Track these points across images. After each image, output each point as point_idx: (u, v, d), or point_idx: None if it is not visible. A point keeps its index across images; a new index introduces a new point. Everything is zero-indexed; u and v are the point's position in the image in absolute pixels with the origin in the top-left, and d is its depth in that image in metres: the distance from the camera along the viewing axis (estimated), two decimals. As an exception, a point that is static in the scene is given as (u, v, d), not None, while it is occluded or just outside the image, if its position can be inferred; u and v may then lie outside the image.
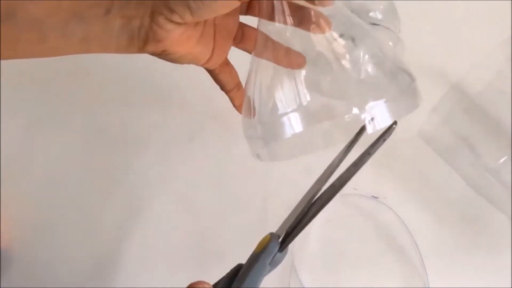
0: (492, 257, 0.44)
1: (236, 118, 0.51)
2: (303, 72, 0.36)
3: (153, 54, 0.36)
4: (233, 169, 0.50)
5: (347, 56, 0.35)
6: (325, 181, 0.32)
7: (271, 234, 0.32)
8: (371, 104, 0.32)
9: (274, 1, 0.35)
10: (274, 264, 0.31)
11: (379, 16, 0.49)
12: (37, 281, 0.45)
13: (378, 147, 0.31)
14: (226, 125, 0.52)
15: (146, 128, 0.53)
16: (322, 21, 0.35)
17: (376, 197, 0.47)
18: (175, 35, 0.33)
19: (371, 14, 0.49)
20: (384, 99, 0.33)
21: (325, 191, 0.32)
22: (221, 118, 0.52)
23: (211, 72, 0.41)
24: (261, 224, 0.47)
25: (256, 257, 0.31)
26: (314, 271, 0.44)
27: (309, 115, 0.35)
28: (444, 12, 0.58)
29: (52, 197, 0.49)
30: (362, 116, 0.32)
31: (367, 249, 0.45)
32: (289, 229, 0.31)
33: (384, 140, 0.31)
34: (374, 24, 0.48)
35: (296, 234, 0.31)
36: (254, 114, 0.37)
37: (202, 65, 0.39)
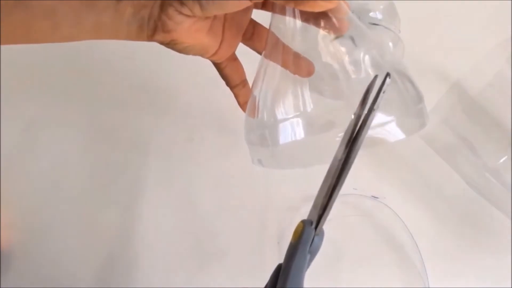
0: (492, 257, 0.44)
1: (236, 118, 0.51)
2: (309, 79, 0.36)
3: (161, 43, 0.36)
4: (233, 169, 0.50)
5: (356, 69, 0.36)
6: (345, 149, 0.31)
7: (303, 221, 0.31)
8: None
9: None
10: (313, 251, 0.30)
11: (379, 16, 0.49)
12: (37, 282, 0.45)
13: (380, 101, 0.31)
14: (226, 125, 0.52)
15: (146, 128, 0.53)
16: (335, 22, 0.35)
17: (376, 197, 0.47)
18: (184, 26, 0.34)
19: (371, 14, 0.49)
20: (392, 117, 0.33)
21: (345, 161, 0.31)
22: (221, 118, 0.52)
23: (217, 65, 0.41)
24: (261, 224, 0.47)
25: (294, 249, 0.29)
26: (314, 271, 0.44)
27: (311, 124, 0.35)
28: (444, 12, 0.58)
29: (52, 198, 0.49)
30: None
31: (367, 249, 0.45)
32: (320, 211, 0.30)
33: (384, 92, 0.31)
34: (374, 24, 0.48)
35: (328, 212, 0.30)
36: (258, 115, 0.37)
37: (208, 58, 0.39)
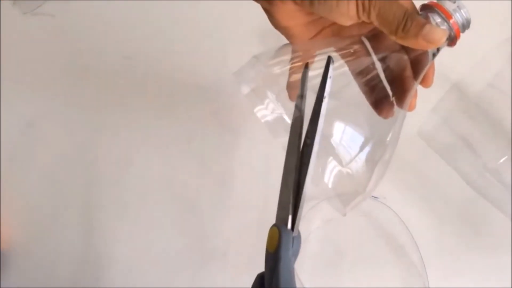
0: (492, 257, 0.44)
1: (236, 118, 0.52)
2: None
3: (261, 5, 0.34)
4: (233, 169, 0.50)
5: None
6: (299, 144, 0.30)
7: (277, 226, 0.29)
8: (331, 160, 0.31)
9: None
10: (295, 253, 0.28)
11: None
12: (37, 281, 0.46)
13: (329, 87, 0.30)
14: (226, 125, 0.52)
15: (146, 128, 0.53)
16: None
17: (376, 197, 0.47)
18: (286, 8, 0.32)
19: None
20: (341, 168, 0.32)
21: (302, 153, 0.29)
22: (221, 118, 0.52)
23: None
24: (261, 224, 0.47)
25: (276, 259, 0.27)
26: (314, 271, 0.44)
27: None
28: (444, 12, 0.58)
29: (52, 197, 0.49)
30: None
31: (367, 249, 0.45)
32: (292, 211, 0.29)
33: (330, 77, 0.30)
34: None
35: (302, 211, 0.29)
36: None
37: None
